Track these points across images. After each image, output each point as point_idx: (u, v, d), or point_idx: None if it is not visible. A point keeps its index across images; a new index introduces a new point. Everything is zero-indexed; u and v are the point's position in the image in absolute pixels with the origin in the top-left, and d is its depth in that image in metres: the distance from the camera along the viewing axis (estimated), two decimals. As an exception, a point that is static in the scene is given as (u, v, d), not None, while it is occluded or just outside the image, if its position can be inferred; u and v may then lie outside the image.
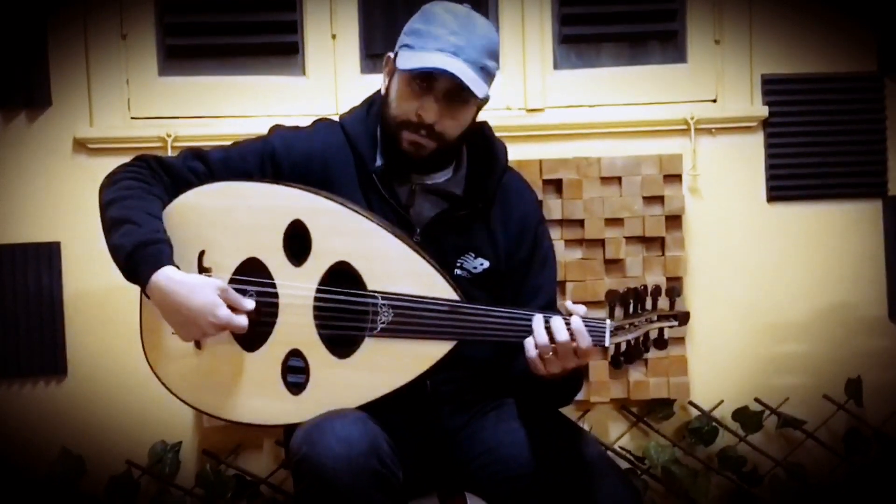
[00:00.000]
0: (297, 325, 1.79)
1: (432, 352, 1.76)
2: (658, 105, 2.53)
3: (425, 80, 1.82)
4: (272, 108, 2.45)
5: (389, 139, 1.89)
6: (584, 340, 1.69)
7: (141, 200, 1.81)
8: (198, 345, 1.83)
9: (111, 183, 1.86)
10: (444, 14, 1.83)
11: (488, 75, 1.85)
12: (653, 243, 2.48)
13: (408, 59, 1.82)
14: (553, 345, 1.70)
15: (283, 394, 1.79)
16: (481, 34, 1.83)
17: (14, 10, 2.33)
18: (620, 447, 2.52)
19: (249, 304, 1.78)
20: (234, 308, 1.76)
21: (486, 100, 1.91)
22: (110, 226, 1.79)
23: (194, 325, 1.75)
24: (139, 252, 1.74)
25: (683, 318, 1.80)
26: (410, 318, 1.76)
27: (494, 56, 1.86)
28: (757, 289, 2.56)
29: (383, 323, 1.77)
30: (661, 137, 2.52)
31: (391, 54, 1.90)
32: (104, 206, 1.83)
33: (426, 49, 1.81)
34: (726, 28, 2.54)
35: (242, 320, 1.76)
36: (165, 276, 1.73)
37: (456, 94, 1.82)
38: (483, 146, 1.99)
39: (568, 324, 1.70)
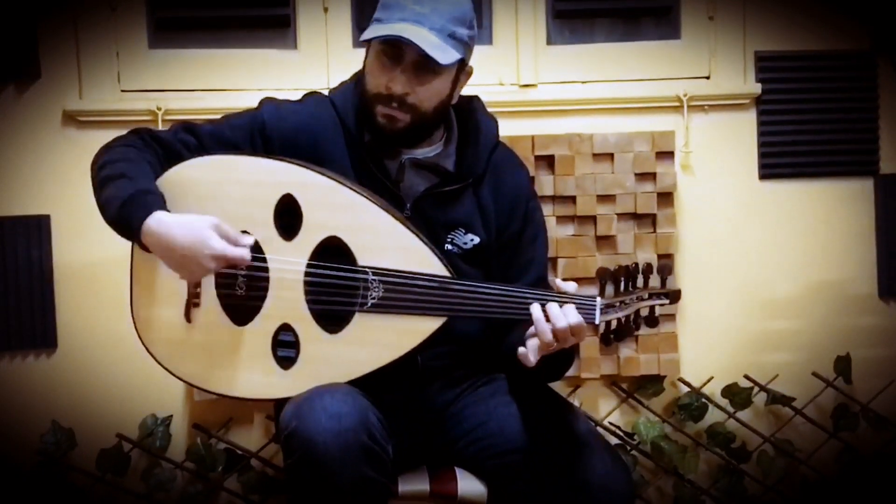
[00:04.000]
0: (287, 300, 1.78)
1: (422, 327, 1.76)
2: (651, 81, 2.52)
3: (393, 53, 1.81)
4: (263, 82, 2.43)
5: (367, 114, 1.88)
6: (575, 319, 1.69)
7: (134, 163, 1.80)
8: (188, 318, 1.83)
9: (104, 152, 1.85)
10: None
11: (460, 42, 1.83)
12: (644, 220, 2.48)
13: (369, 31, 1.82)
14: (553, 329, 1.70)
15: (273, 368, 1.79)
16: (449, 2, 1.82)
17: (3, -19, 2.31)
18: (610, 423, 2.53)
19: (247, 238, 1.76)
20: (231, 244, 1.73)
21: (467, 70, 1.91)
22: (102, 183, 1.78)
23: (193, 262, 1.72)
24: (132, 202, 1.72)
25: (675, 296, 1.80)
26: (401, 294, 1.76)
27: (465, 23, 1.84)
28: (748, 266, 2.56)
29: (374, 298, 1.76)
30: (654, 114, 2.51)
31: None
32: (97, 170, 1.81)
33: (390, 20, 1.80)
34: (720, 4, 2.52)
35: (241, 251, 1.72)
36: (157, 220, 1.72)
37: (424, 63, 1.81)
38: (472, 120, 1.98)
39: (562, 306, 1.70)
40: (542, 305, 1.70)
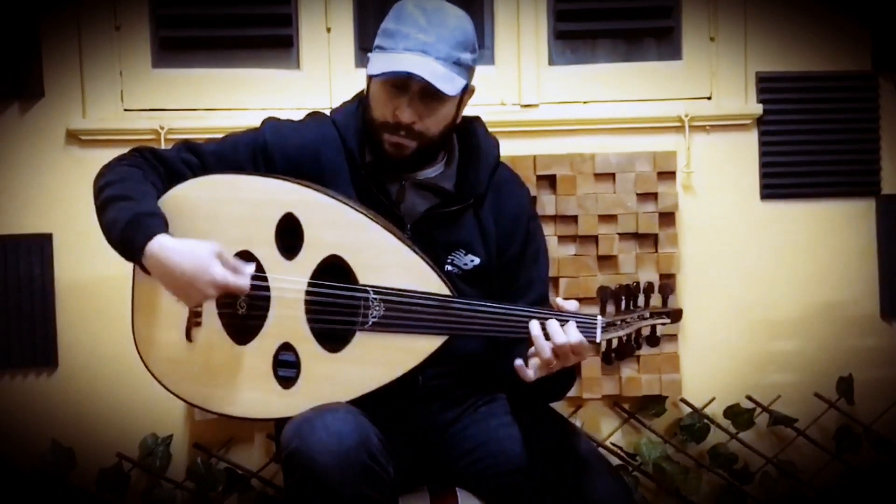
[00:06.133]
0: (288, 319, 1.78)
1: (423, 346, 1.76)
2: (653, 102, 2.53)
3: (399, 83, 1.81)
4: (266, 101, 2.44)
5: (373, 140, 1.88)
6: (576, 338, 1.69)
7: (136, 183, 1.81)
8: (189, 337, 1.83)
9: (106, 171, 1.85)
10: (413, 11, 1.82)
11: (465, 68, 1.84)
12: (646, 240, 2.48)
13: (376, 63, 1.82)
14: (552, 346, 1.69)
15: (274, 387, 1.79)
16: (452, 27, 1.82)
17: (6, 1, 2.32)
18: (612, 443, 2.52)
19: (249, 267, 1.76)
20: (232, 271, 1.74)
21: (470, 89, 1.91)
22: (105, 204, 1.78)
23: (193, 288, 1.73)
24: (134, 224, 1.72)
25: (676, 315, 1.80)
26: (402, 313, 1.76)
27: (469, 47, 1.85)
28: (750, 286, 2.56)
29: (374, 317, 1.76)
30: (656, 134, 2.52)
31: (370, 55, 1.88)
32: (99, 190, 1.82)
33: (395, 50, 1.80)
34: (721, 25, 2.54)
35: (241, 280, 1.73)
36: (159, 244, 1.72)
37: (430, 92, 1.81)
38: (474, 141, 1.98)
39: (563, 324, 1.70)
40: (542, 323, 1.70)
